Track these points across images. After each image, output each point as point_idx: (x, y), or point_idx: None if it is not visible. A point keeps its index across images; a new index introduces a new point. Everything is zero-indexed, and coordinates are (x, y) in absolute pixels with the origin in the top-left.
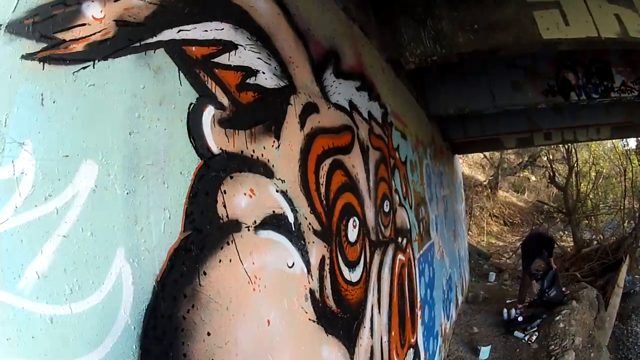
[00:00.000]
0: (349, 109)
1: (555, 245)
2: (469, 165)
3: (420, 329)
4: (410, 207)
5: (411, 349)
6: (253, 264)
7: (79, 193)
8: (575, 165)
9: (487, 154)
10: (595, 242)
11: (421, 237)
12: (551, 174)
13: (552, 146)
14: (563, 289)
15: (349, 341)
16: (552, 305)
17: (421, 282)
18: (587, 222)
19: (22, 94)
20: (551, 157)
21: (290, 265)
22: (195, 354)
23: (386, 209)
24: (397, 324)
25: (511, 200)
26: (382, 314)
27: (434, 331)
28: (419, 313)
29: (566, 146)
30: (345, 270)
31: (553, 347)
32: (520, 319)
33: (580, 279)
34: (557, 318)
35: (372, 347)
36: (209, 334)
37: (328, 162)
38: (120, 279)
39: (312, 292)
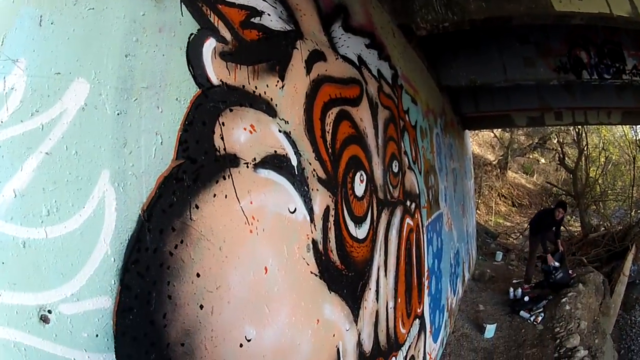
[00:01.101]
0: (357, 63)
1: (562, 229)
2: (479, 145)
3: (426, 300)
4: (420, 173)
5: (417, 319)
6: (251, 203)
7: (67, 110)
8: (585, 148)
9: (497, 133)
10: (602, 229)
11: (430, 205)
12: (561, 155)
13: (563, 129)
14: (570, 272)
15: (354, 302)
16: (559, 287)
17: (429, 251)
18: (594, 207)
19: (22, 16)
20: (561, 139)
21: (291, 210)
22: (181, 296)
23: (395, 169)
24: (404, 291)
25: (520, 181)
26: (389, 278)
27: (440, 304)
28: (426, 283)
29: (577, 130)
30: (351, 225)
31: (558, 329)
32: (526, 299)
33: (587, 264)
34: (564, 300)
35: (377, 312)
36: (198, 275)
37: (335, 111)
38: (103, 204)
39: (314, 242)
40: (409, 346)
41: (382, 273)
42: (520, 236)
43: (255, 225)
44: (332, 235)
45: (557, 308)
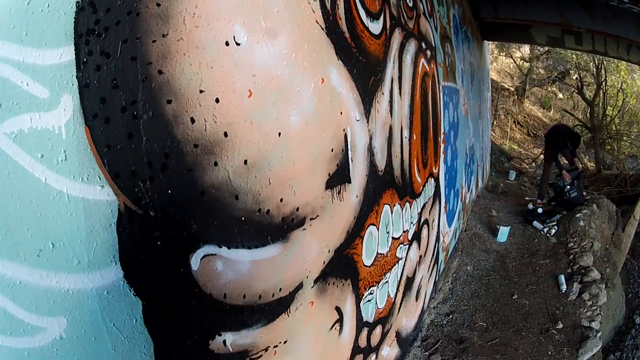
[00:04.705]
0: None
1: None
2: (497, 72)
3: (442, 168)
4: (436, 30)
5: (432, 178)
6: None
7: None
8: (603, 83)
9: (516, 61)
10: (615, 169)
11: (446, 70)
12: (580, 85)
13: (582, 64)
14: (584, 194)
15: (364, 92)
16: (572, 206)
17: (445, 116)
18: (609, 147)
19: None
20: (581, 75)
21: None
22: None
23: (409, 2)
24: (419, 132)
25: (536, 114)
26: (404, 101)
27: (455, 186)
28: (442, 147)
29: (595, 63)
30: (362, 12)
31: (572, 245)
32: (539, 210)
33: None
34: (578, 215)
35: (391, 129)
36: None
37: None
38: None
39: None
40: (424, 205)
41: (395, 88)
42: (533, 164)
43: None
44: (340, 4)
45: (571, 223)
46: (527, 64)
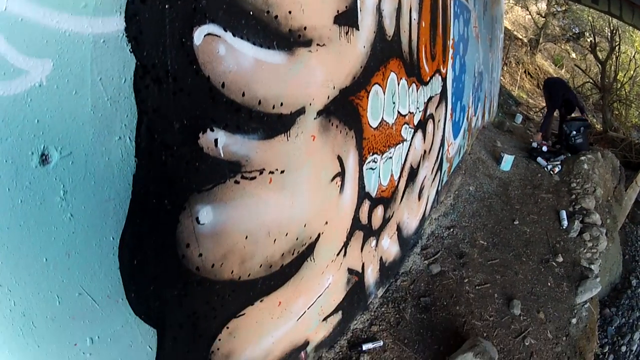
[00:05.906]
0: None
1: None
2: (512, 22)
3: (450, 74)
4: None
5: (440, 76)
6: None
7: None
8: (617, 47)
9: (533, 14)
10: (622, 133)
11: None
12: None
13: (597, 28)
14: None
15: None
16: (576, 152)
17: (455, 26)
18: (617, 113)
19: None
20: (596, 41)
21: None
22: None
23: None
24: (428, 23)
25: (547, 69)
26: None
27: (462, 98)
28: (451, 52)
29: (610, 27)
30: None
31: (575, 185)
32: (544, 149)
33: None
34: (582, 159)
35: (400, 2)
36: None
37: None
38: None
39: None
40: (431, 98)
41: None
42: (540, 113)
43: None
44: None
45: (575, 164)
46: (542, 19)
